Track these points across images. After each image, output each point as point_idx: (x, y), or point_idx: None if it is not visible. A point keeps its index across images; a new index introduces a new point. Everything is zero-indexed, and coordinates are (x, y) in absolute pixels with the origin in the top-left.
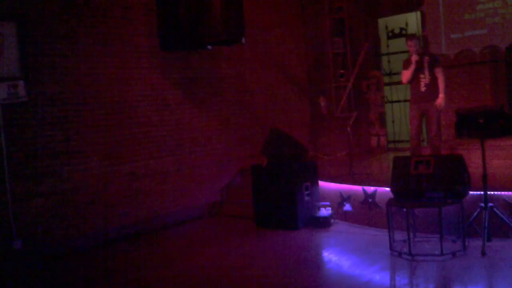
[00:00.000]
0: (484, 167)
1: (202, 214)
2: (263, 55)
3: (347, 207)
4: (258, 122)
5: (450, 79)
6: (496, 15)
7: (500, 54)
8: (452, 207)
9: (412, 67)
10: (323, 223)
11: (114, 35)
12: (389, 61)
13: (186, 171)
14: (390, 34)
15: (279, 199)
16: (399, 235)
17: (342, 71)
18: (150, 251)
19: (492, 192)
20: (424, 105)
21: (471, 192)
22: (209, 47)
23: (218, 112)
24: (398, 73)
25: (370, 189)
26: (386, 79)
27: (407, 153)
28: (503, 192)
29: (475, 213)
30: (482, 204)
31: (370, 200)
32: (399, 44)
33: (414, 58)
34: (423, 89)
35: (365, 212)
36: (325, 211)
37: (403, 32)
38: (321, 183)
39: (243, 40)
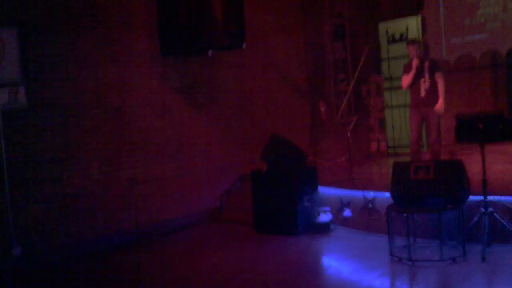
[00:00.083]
0: (484, 172)
1: (202, 219)
2: (263, 60)
3: (347, 212)
4: (258, 127)
5: (450, 84)
6: (496, 20)
7: (500, 59)
8: (452, 212)
9: (412, 72)
10: (323, 229)
11: (114, 41)
12: (389, 66)
13: (186, 177)
14: (391, 39)
15: (279, 205)
16: (399, 241)
17: (342, 76)
18: (150, 257)
19: (492, 197)
20: (424, 110)
21: (471, 197)
22: (210, 52)
23: (218, 117)
24: (398, 78)
25: (370, 194)
26: (386, 84)
27: (407, 158)
28: (503, 197)
29: (475, 218)
30: (482, 209)
31: (370, 205)
32: (400, 49)
33: (415, 63)
34: (423, 94)
35: (365, 218)
36: (325, 217)
37: (404, 37)
38: (321, 189)
39: (244, 45)
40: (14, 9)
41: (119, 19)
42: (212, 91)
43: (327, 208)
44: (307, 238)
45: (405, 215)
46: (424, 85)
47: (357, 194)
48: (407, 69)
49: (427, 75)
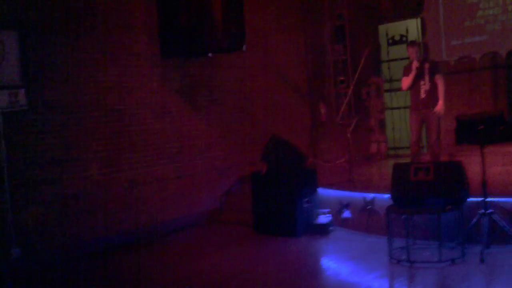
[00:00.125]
0: (484, 173)
1: (202, 220)
2: (263, 62)
3: (347, 214)
4: (258, 129)
5: (450, 85)
6: (496, 21)
7: (500, 61)
8: (452, 214)
9: (412, 74)
10: (322, 230)
11: (114, 42)
12: (389, 68)
13: (185, 178)
14: (391, 40)
15: (278, 206)
16: (398, 242)
17: (342, 78)
18: (150, 258)
19: (491, 199)
20: (424, 111)
21: (470, 199)
22: (210, 54)
23: (218, 119)
24: (398, 80)
25: (370, 196)
26: (386, 86)
27: (407, 160)
28: (502, 199)
29: (475, 220)
30: (482, 211)
31: (369, 207)
32: (400, 50)
33: (415, 64)
34: (423, 95)
35: (364, 219)
36: (324, 218)
37: (404, 38)
38: (321, 190)
39: (244, 47)
40: (14, 10)
41: (119, 21)
42: (212, 92)
43: (327, 210)
44: (307, 240)
45: (404, 216)
46: (424, 86)
47: (356, 196)
48: (407, 70)
49: (427, 77)
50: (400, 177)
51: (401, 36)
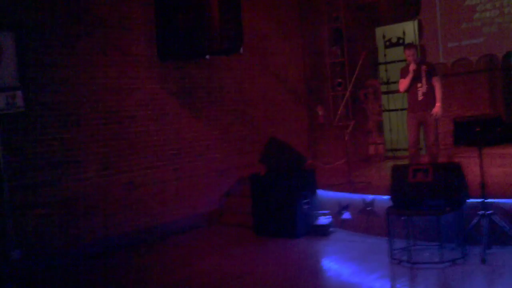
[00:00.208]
0: (482, 175)
1: (202, 222)
2: (261, 64)
3: (346, 215)
4: (256, 131)
5: (448, 87)
6: (492, 24)
7: (497, 63)
8: (451, 215)
9: (409, 76)
10: (322, 232)
11: (112, 45)
12: (386, 70)
13: (185, 180)
14: (388, 43)
15: (278, 208)
16: (398, 243)
17: (339, 80)
18: (149, 260)
19: (490, 200)
20: (422, 113)
21: (469, 200)
22: (207, 57)
23: (216, 121)
24: (396, 82)
25: (369, 197)
26: (383, 88)
27: (406, 161)
28: (501, 200)
29: (474, 221)
30: (481, 212)
31: (369, 208)
32: (397, 53)
33: (412, 67)
34: (420, 98)
35: (364, 220)
36: (324, 220)
37: (401, 41)
38: (320, 192)
39: (241, 49)
40: (11, 12)
41: (117, 23)
42: (210, 94)
43: (326, 211)
44: (307, 241)
45: (404, 217)
46: (421, 89)
47: (356, 197)
48: (404, 73)
49: (424, 79)
50: (399, 179)
51: (398, 38)
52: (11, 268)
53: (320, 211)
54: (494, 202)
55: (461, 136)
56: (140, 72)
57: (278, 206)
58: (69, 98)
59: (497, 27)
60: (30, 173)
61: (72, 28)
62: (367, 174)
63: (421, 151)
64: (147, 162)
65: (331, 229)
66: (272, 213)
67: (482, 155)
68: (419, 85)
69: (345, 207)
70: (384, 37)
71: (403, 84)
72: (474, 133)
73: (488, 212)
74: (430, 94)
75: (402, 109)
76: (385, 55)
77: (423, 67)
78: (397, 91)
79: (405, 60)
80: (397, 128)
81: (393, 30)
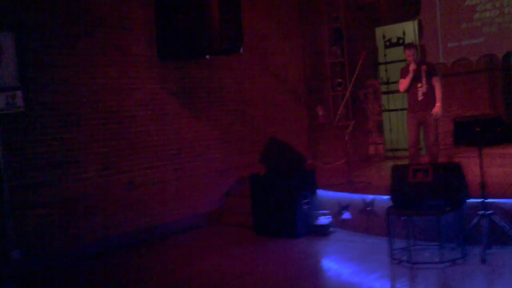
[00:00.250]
0: (482, 175)
1: (202, 222)
2: (261, 64)
3: (346, 215)
4: (256, 131)
5: (448, 87)
6: (492, 24)
7: (497, 63)
8: (451, 215)
9: (409, 76)
10: (322, 232)
11: (112, 45)
12: (386, 70)
13: (185, 180)
14: (388, 43)
15: (278, 208)
16: (398, 243)
17: (339, 80)
18: (150, 260)
19: (490, 200)
20: (422, 113)
21: (469, 200)
22: (208, 57)
23: (216, 121)
24: (396, 82)
25: (369, 197)
26: (383, 88)
27: (406, 161)
28: (501, 200)
29: (474, 221)
30: (481, 212)
31: (369, 208)
32: (397, 53)
33: (412, 67)
34: (420, 97)
35: (364, 220)
36: (324, 220)
37: (401, 41)
38: (320, 192)
39: (241, 49)
40: (11, 12)
41: (117, 24)
42: (210, 94)
43: (326, 211)
44: (307, 241)
45: (404, 217)
46: (421, 89)
47: (356, 197)
48: (404, 73)
49: (424, 79)
50: (399, 179)
51: (398, 38)
52: (11, 268)
53: (320, 211)
54: (494, 202)
55: (461, 136)
56: (140, 72)
57: (278, 206)
58: (69, 98)
59: (497, 27)
60: (30, 173)
61: (72, 28)
62: (367, 174)
63: (421, 151)
64: (147, 162)
65: (331, 229)
66: (272, 213)
67: (482, 155)
68: (419, 85)
69: (345, 207)
70: (384, 37)
71: (403, 84)
72: (474, 133)
73: (488, 212)
74: (430, 94)
75: (402, 109)
76: (385, 55)
77: (423, 67)
78: (397, 91)
79: (405, 60)
80: (397, 128)
81: (393, 30)
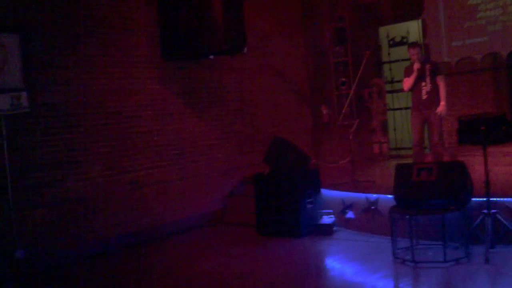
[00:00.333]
0: (487, 173)
1: (205, 222)
2: (264, 64)
3: (350, 214)
4: (259, 130)
5: (452, 86)
6: (496, 22)
7: (501, 61)
8: (455, 214)
9: (414, 75)
10: (326, 231)
11: (115, 46)
12: (390, 69)
13: (188, 180)
14: (391, 42)
15: (281, 207)
16: (402, 242)
17: (343, 79)
18: (152, 260)
19: (494, 199)
20: (426, 112)
21: (473, 199)
22: (211, 57)
23: (219, 120)
24: (400, 81)
25: (373, 196)
26: (388, 87)
27: (410, 160)
28: (506, 199)
29: (478, 220)
30: (485, 211)
31: (372, 207)
32: (401, 52)
33: (416, 66)
34: (424, 96)
35: (367, 220)
36: (327, 219)
37: (404, 40)
38: (324, 191)
39: (245, 49)
40: (16, 14)
41: (120, 24)
42: (213, 94)
43: (330, 210)
44: (310, 240)
45: (408, 216)
46: (426, 88)
47: (359, 196)
48: (408, 72)
49: (428, 78)
50: (403, 178)
51: (402, 37)
52: (15, 267)
53: (324, 210)
54: (498, 201)
55: (465, 135)
56: (143, 73)
57: (282, 205)
58: (73, 98)
59: (501, 26)
60: (34, 173)
61: (76, 29)
62: (371, 173)
63: (425, 150)
64: (149, 162)
65: (334, 228)
66: (276, 213)
67: (487, 154)
68: (423, 84)
69: (348, 206)
70: (388, 36)
71: (407, 83)
72: (478, 131)
73: (493, 211)
74: (434, 93)
75: (406, 108)
76: (389, 54)
77: (427, 66)
78: (401, 90)
79: (409, 59)
80: (401, 127)
81: (397, 29)
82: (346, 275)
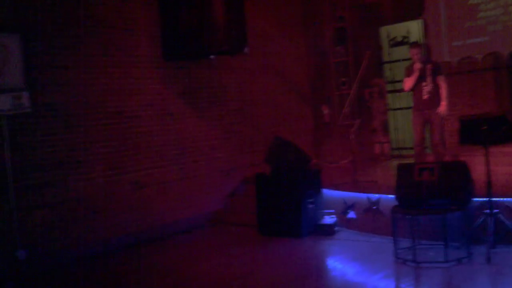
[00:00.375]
0: (488, 173)
1: (206, 222)
2: (265, 64)
3: (351, 214)
4: (260, 130)
5: (453, 86)
6: (497, 22)
7: (502, 61)
8: (457, 214)
9: (415, 75)
10: (327, 231)
11: (116, 46)
12: (391, 69)
13: (189, 180)
14: (392, 42)
15: (283, 207)
16: (403, 242)
17: (344, 79)
18: (152, 260)
19: (496, 199)
20: (427, 112)
21: (475, 199)
22: (212, 57)
23: (220, 121)
24: (401, 81)
25: (374, 196)
26: (389, 87)
27: (411, 160)
28: (506, 199)
29: (480, 220)
30: (487, 211)
31: (374, 207)
32: (401, 52)
33: (417, 66)
34: (425, 96)
35: (369, 220)
36: (329, 219)
37: (405, 40)
38: (325, 191)
39: (245, 49)
40: (17, 14)
41: (120, 24)
42: (214, 94)
43: (331, 211)
44: (312, 240)
45: (409, 217)
46: (426, 87)
47: (361, 196)
48: (409, 71)
49: (429, 78)
50: (404, 178)
51: (403, 37)
52: (17, 268)
53: (325, 211)
54: (499, 201)
55: (467, 135)
56: (144, 73)
57: (283, 205)
58: (74, 98)
59: (502, 25)
60: (35, 174)
61: (76, 29)
62: (372, 173)
63: (426, 150)
64: (150, 162)
65: (336, 228)
66: (277, 213)
67: (488, 154)
68: (424, 84)
69: (350, 206)
70: (388, 36)
71: (408, 83)
72: (480, 131)
73: (494, 211)
74: (435, 93)
75: (407, 108)
76: (389, 54)
77: (428, 66)
78: (402, 90)
79: (410, 59)
80: (402, 127)
81: (398, 29)
82: (347, 275)
